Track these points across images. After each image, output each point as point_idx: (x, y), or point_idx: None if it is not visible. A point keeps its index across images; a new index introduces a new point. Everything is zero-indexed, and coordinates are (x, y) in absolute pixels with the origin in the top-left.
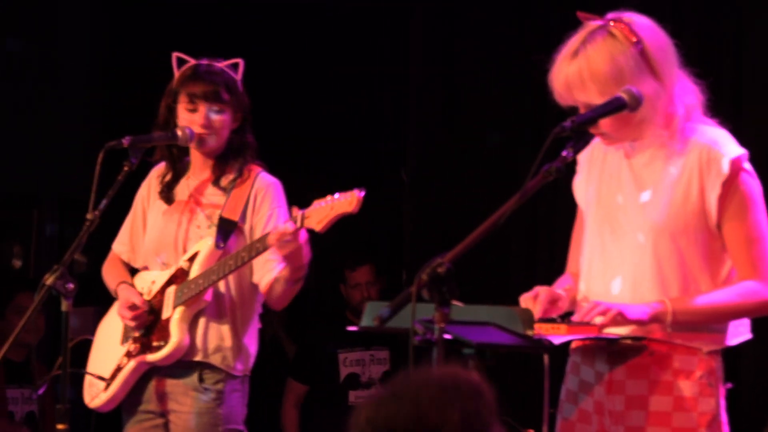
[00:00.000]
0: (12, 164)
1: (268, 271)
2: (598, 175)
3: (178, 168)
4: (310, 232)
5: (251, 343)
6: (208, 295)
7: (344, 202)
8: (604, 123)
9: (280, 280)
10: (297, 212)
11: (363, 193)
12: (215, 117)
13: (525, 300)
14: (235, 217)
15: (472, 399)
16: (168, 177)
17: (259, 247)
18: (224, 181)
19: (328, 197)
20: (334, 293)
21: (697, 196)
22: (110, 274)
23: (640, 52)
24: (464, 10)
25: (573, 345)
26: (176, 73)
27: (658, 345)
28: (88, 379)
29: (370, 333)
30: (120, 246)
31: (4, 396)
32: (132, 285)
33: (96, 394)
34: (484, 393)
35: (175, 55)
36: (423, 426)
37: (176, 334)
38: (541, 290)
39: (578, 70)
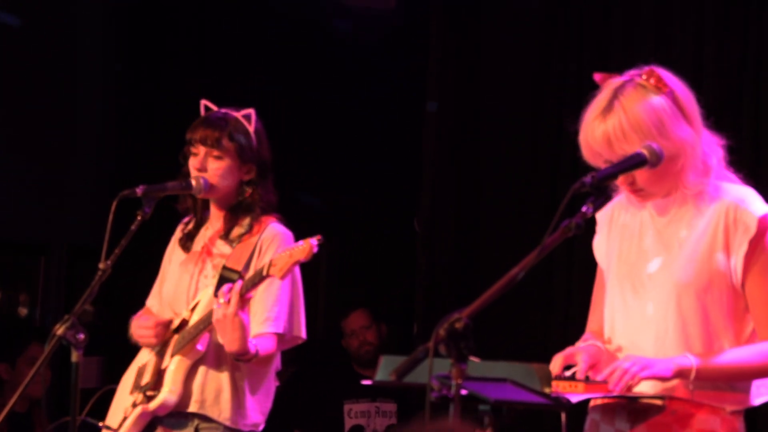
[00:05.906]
0: (20, 211)
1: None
2: (619, 234)
3: (201, 218)
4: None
5: (258, 399)
6: (201, 345)
7: (299, 249)
8: (642, 179)
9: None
10: (267, 260)
11: (317, 241)
12: (213, 163)
13: (556, 361)
14: (239, 267)
15: None
16: (190, 226)
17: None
18: (233, 235)
19: (292, 244)
20: (339, 347)
21: (723, 255)
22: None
23: (673, 100)
24: (484, 52)
25: (592, 403)
26: None
27: (680, 404)
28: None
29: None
30: (151, 299)
31: None
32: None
33: None
34: None
35: (203, 102)
36: None
37: (168, 383)
38: (579, 357)
39: (618, 123)
